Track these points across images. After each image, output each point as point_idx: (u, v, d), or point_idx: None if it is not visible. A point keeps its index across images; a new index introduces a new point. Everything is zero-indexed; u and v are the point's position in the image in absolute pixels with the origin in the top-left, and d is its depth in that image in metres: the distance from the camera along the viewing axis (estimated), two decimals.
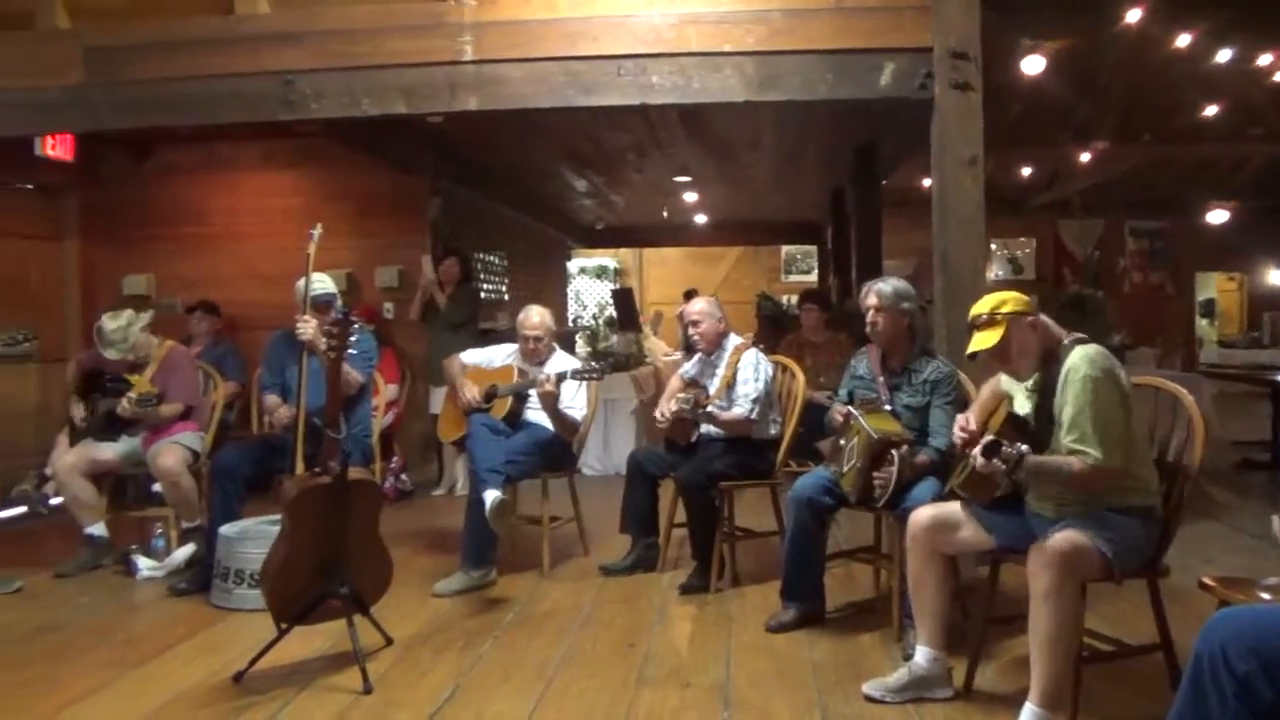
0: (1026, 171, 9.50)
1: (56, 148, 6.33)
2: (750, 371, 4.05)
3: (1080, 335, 2.69)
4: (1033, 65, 5.56)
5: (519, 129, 6.55)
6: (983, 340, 2.67)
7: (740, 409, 4.00)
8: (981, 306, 2.72)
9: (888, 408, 3.40)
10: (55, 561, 4.43)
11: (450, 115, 4.69)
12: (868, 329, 3.50)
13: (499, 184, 8.48)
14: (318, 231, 3.81)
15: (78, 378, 4.65)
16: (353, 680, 2.96)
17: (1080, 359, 2.55)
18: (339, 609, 3.11)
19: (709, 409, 3.99)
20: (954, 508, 2.81)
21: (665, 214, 11.37)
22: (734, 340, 4.24)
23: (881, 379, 3.49)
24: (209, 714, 2.81)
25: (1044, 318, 2.73)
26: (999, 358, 2.70)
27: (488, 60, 4.42)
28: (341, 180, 6.78)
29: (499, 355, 4.54)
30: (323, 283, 4.17)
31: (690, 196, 10.32)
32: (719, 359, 4.19)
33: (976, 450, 2.46)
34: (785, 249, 15.11)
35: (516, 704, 2.83)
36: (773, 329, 9.00)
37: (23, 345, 4.23)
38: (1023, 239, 12.32)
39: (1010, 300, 2.69)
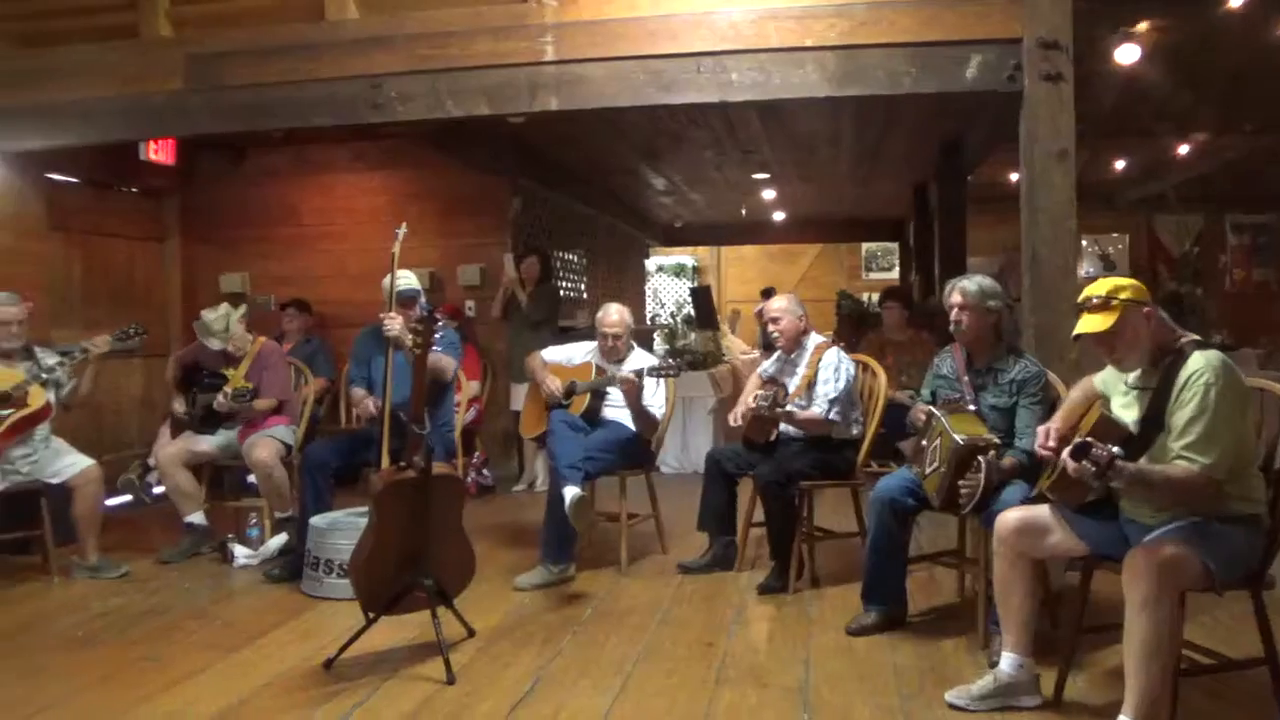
0: (1120, 165, 9.15)
1: (159, 152, 6.62)
2: (830, 371, 4.00)
3: (1197, 337, 2.56)
4: (1127, 54, 5.35)
5: (598, 128, 6.61)
6: (1092, 323, 2.54)
7: (818, 409, 3.96)
8: (1096, 288, 2.58)
9: (971, 408, 3.32)
10: (159, 548, 4.65)
11: (531, 115, 4.75)
12: (952, 327, 3.42)
13: (578, 183, 8.56)
14: (403, 231, 3.90)
15: (178, 373, 4.86)
16: (436, 670, 3.03)
17: (1203, 364, 2.42)
18: (423, 600, 3.18)
19: (787, 407, 3.96)
20: (1043, 511, 2.73)
21: (744, 211, 11.32)
22: (815, 339, 4.20)
23: (966, 378, 3.42)
24: (302, 698, 2.91)
25: (1161, 312, 2.60)
26: (1105, 344, 2.56)
27: (568, 60, 4.46)
28: (426, 181, 6.92)
29: (578, 353, 4.59)
30: (407, 279, 4.27)
31: (769, 194, 10.25)
32: (799, 357, 4.16)
33: (1066, 452, 2.37)
34: (865, 246, 14.89)
35: (595, 699, 2.86)
36: (853, 327, 8.89)
37: (130, 340, 4.46)
38: (1115, 235, 11.89)
39: (1128, 287, 2.56)
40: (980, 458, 3.08)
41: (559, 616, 3.66)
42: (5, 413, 3.98)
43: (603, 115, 4.91)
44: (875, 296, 9.81)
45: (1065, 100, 3.95)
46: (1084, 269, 11.45)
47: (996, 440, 3.17)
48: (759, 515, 4.03)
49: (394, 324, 3.85)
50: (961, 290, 3.36)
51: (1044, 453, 2.65)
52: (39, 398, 4.10)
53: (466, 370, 5.43)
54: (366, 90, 4.64)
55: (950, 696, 2.74)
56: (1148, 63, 5.50)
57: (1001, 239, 9.26)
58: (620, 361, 4.40)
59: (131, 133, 5.44)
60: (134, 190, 6.75)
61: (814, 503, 4.08)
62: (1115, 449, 2.29)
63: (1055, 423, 2.75)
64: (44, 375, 4.15)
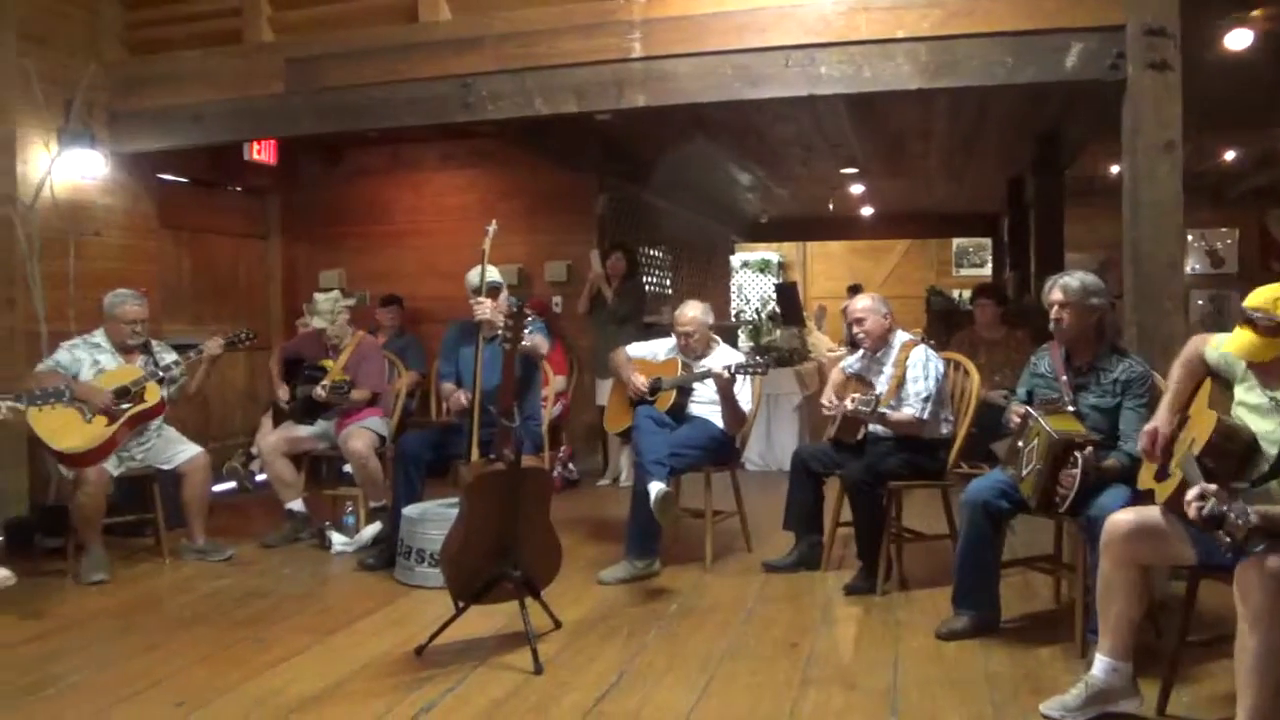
0: (1229, 156, 8.71)
1: (262, 153, 6.88)
2: (920, 370, 3.92)
3: None
4: (1238, 40, 5.09)
5: (685, 124, 6.60)
6: (1256, 349, 2.26)
7: (911, 409, 3.88)
8: (1267, 302, 2.29)
9: (1070, 408, 3.21)
10: (261, 533, 4.86)
11: (618, 112, 4.78)
12: (1051, 325, 3.31)
13: (664, 179, 8.56)
14: (492, 228, 3.97)
15: (280, 365, 5.06)
16: (524, 660, 3.08)
17: None
18: (512, 591, 3.24)
19: (881, 410, 3.89)
20: (1154, 515, 2.60)
21: (831, 206, 11.16)
22: (901, 336, 4.12)
23: (1065, 378, 3.31)
24: (395, 683, 2.99)
25: None
26: (1272, 373, 2.31)
27: (655, 56, 4.47)
28: (514, 178, 7.03)
29: (663, 349, 4.60)
30: (491, 273, 4.36)
31: (857, 188, 10.09)
32: (885, 356, 4.08)
33: (1193, 509, 2.15)
34: (957, 242, 14.54)
35: (680, 695, 2.87)
36: (943, 325, 8.67)
37: (242, 345, 4.68)
38: (1224, 229, 11.31)
39: None
40: (1077, 454, 2.98)
41: (644, 611, 3.68)
42: (124, 406, 4.20)
43: (689, 111, 4.90)
44: (966, 293, 9.56)
45: (1172, 89, 3.79)
46: (1190, 266, 10.96)
47: (1096, 438, 3.06)
48: (846, 515, 3.98)
49: (484, 306, 3.93)
50: (1063, 287, 3.25)
51: (1150, 459, 2.53)
52: (155, 394, 4.31)
53: (553, 365, 5.50)
54: (457, 90, 4.74)
55: (1046, 708, 2.66)
56: (1261, 49, 5.22)
57: (1101, 234, 8.91)
58: (699, 359, 4.39)
59: (237, 134, 5.67)
60: (238, 190, 7.03)
61: (903, 503, 4.01)
62: (1252, 515, 2.02)
63: (1161, 423, 2.63)
64: (160, 373, 4.36)
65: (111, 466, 4.23)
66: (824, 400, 4.12)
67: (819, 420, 5.95)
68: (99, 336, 4.43)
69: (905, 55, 4.15)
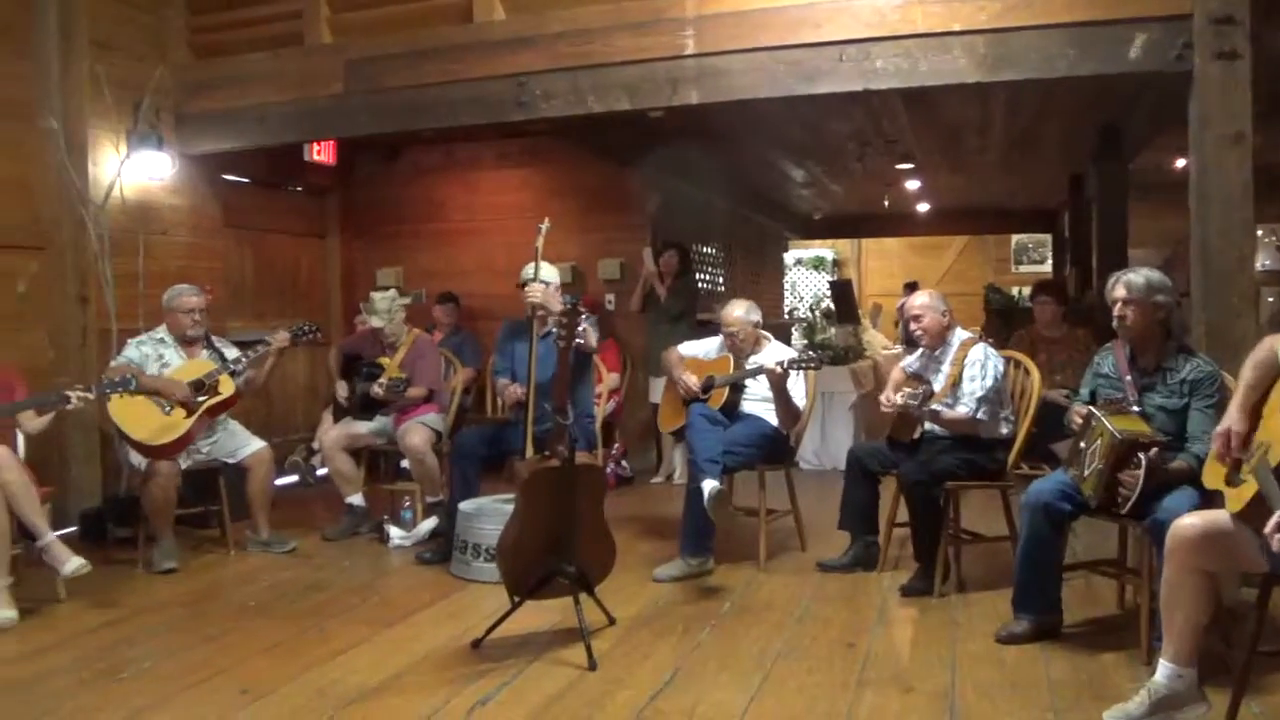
0: None
1: (321, 153, 7.02)
2: (977, 369, 3.85)
3: None
4: None
5: (737, 121, 6.57)
6: None
7: (965, 408, 3.82)
8: None
9: (1135, 409, 3.14)
10: (322, 526, 4.97)
11: (670, 109, 4.78)
12: (1115, 323, 3.24)
13: (717, 176, 8.54)
14: (545, 226, 4.01)
15: (339, 362, 5.17)
16: (578, 656, 3.10)
17: None
18: (566, 586, 3.27)
19: (934, 407, 3.85)
20: (1223, 520, 2.52)
21: (886, 203, 11.03)
22: (960, 334, 4.06)
23: (1129, 378, 3.23)
24: (452, 675, 3.04)
25: None
26: None
27: (708, 53, 4.46)
28: (567, 176, 7.07)
29: (715, 347, 4.59)
30: (546, 271, 4.39)
31: (913, 184, 9.96)
32: (944, 354, 4.02)
33: (1276, 541, 2.12)
34: (1016, 238, 14.29)
35: (735, 693, 2.86)
36: (1002, 323, 8.54)
37: (306, 338, 4.79)
38: None
39: None
40: (1141, 454, 2.91)
41: (697, 609, 3.68)
42: (200, 399, 4.32)
43: (742, 107, 4.88)
44: (1026, 291, 9.37)
45: (1241, 80, 3.67)
46: (1260, 262, 10.60)
47: (1161, 438, 2.99)
48: (902, 515, 3.94)
49: (536, 290, 3.95)
50: (1127, 284, 3.18)
51: (1223, 462, 2.45)
52: (229, 386, 4.43)
53: (606, 362, 5.53)
54: (512, 89, 4.78)
55: (1109, 715, 2.59)
56: None
57: (1167, 229, 8.67)
58: (751, 356, 4.37)
59: (298, 135, 5.80)
60: (298, 189, 7.18)
61: (961, 504, 3.96)
62: None
63: (1234, 422, 2.54)
64: (231, 367, 4.47)
65: (180, 460, 4.36)
66: (882, 399, 4.07)
67: (874, 419, 5.90)
68: (162, 332, 4.56)
69: (962, 48, 4.09)
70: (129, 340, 4.59)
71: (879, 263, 15.18)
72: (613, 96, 4.67)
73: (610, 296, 6.95)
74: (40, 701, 2.90)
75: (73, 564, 3.67)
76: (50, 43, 4.98)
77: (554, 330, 3.69)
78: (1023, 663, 3.08)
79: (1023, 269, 14.21)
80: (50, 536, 3.69)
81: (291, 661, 3.18)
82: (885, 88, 4.33)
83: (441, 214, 7.42)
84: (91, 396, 3.84)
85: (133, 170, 5.24)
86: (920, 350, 4.16)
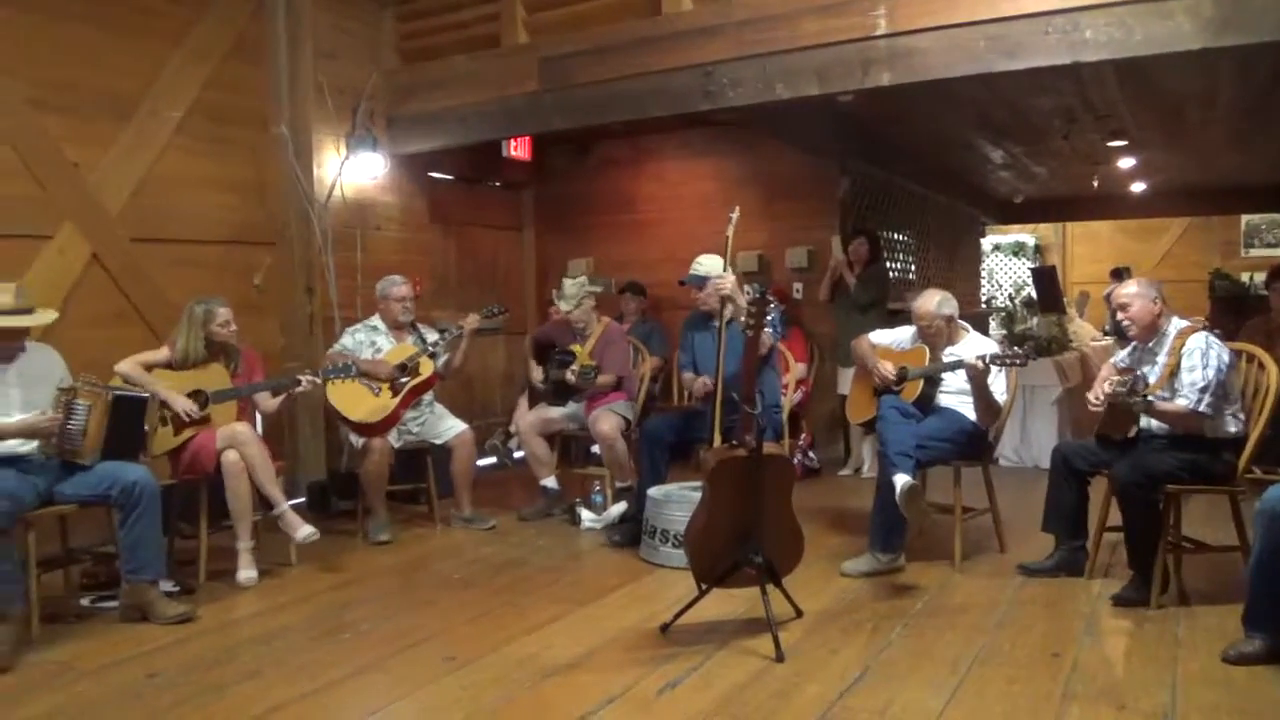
0: None
1: (518, 149, 7.32)
2: (1198, 357, 3.49)
3: None
4: None
5: (931, 101, 6.31)
6: None
7: (1184, 400, 3.48)
8: None
9: None
10: (517, 506, 5.22)
11: (860, 92, 4.66)
12: None
13: (908, 160, 8.24)
14: (735, 215, 4.00)
15: (534, 349, 5.39)
16: (765, 646, 3.10)
17: None
18: (753, 577, 3.27)
19: (1149, 398, 3.54)
20: None
21: (1095, 183, 10.26)
22: (1177, 323, 3.69)
23: None
24: (641, 657, 3.11)
25: None
26: None
27: (901, 32, 4.31)
28: (753, 164, 7.02)
29: (908, 336, 4.44)
30: (707, 265, 4.41)
31: (1126, 162, 9.21)
32: (1159, 345, 3.69)
33: None
34: (1246, 219, 12.96)
35: (928, 696, 2.78)
36: (1230, 313, 7.78)
37: (495, 318, 5.06)
38: None
39: None
40: None
41: (888, 607, 3.59)
42: (404, 380, 4.65)
43: (936, 87, 4.67)
44: (1259, 277, 8.50)
45: None
46: None
47: None
48: (1114, 519, 3.67)
49: (726, 281, 3.95)
50: None
51: None
52: (428, 367, 4.74)
53: (794, 352, 5.48)
54: (699, 79, 4.80)
55: None
56: None
57: None
58: (944, 349, 4.19)
59: (497, 132, 6.07)
60: (497, 185, 7.52)
61: (1182, 509, 3.65)
62: None
63: None
64: (430, 350, 4.77)
65: (393, 439, 4.70)
66: (1090, 397, 3.79)
67: (1081, 414, 5.54)
68: (375, 320, 4.93)
69: (1185, 12, 3.73)
70: (345, 330, 4.98)
71: (1086, 248, 14.18)
72: (801, 82, 4.60)
73: (798, 285, 6.85)
74: (277, 653, 3.22)
75: (304, 531, 4.04)
76: (281, 55, 5.46)
77: (739, 320, 3.67)
78: (1254, 686, 2.81)
79: (1254, 253, 12.88)
80: (285, 506, 4.08)
81: (493, 633, 3.36)
82: (1096, 60, 4.03)
83: (630, 206, 7.57)
84: (319, 381, 4.22)
85: (351, 171, 5.67)
86: (1132, 345, 3.85)
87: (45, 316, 3.63)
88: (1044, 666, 2.99)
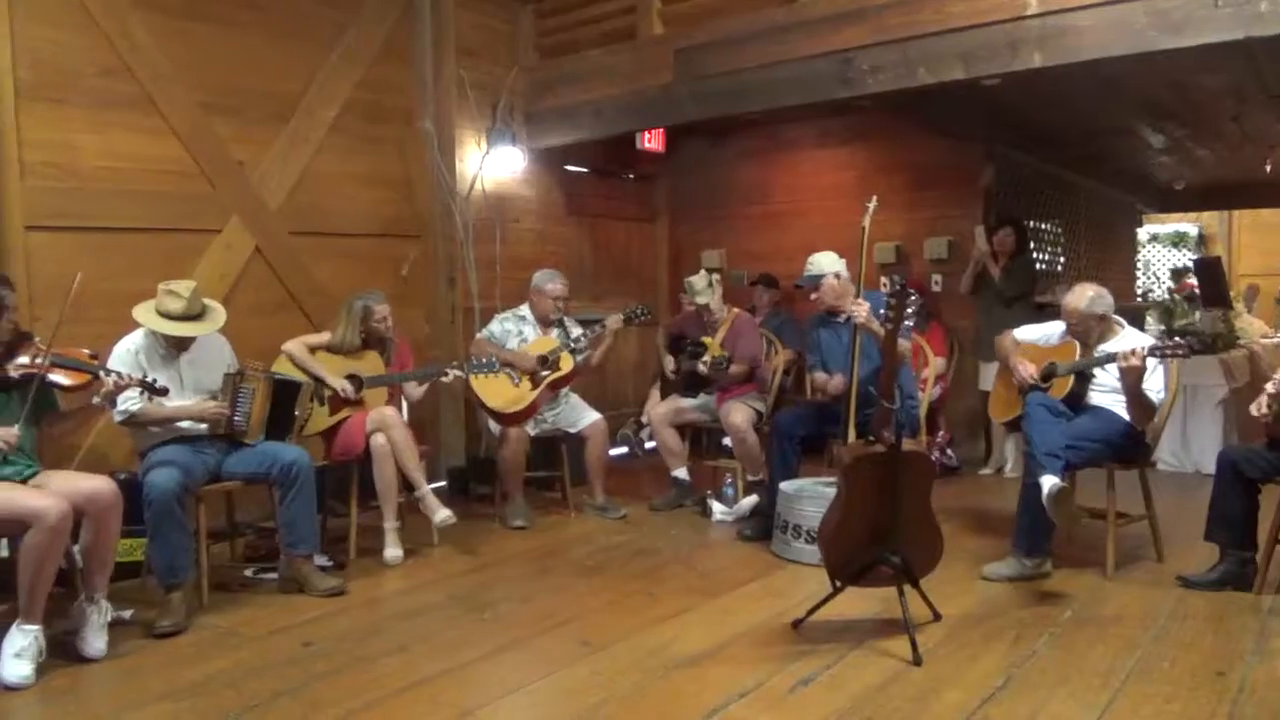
0: None
1: (652, 141, 7.36)
2: None
3: None
4: None
5: (1083, 83, 5.96)
6: None
7: None
8: None
9: None
10: (649, 497, 5.27)
11: (1007, 76, 4.46)
12: None
13: (1058, 146, 7.83)
14: (873, 204, 3.89)
15: (666, 341, 5.42)
16: (901, 648, 3.03)
17: None
18: (889, 576, 3.20)
19: None
20: None
21: (1268, 168, 9.49)
22: None
23: None
24: (772, 653, 3.09)
25: None
26: None
27: (1054, 11, 4.12)
28: (892, 153, 6.82)
29: (1057, 331, 4.22)
30: (817, 264, 4.33)
31: None
32: None
33: None
34: None
35: (1077, 709, 2.65)
36: None
37: (638, 321, 5.12)
38: None
39: None
40: None
41: (1032, 614, 3.44)
42: (544, 373, 4.77)
43: (1089, 69, 4.42)
44: None
45: None
46: None
47: None
48: None
49: (860, 310, 3.80)
50: None
51: None
52: (569, 362, 4.85)
53: (933, 346, 5.32)
54: (836, 66, 4.71)
55: None
56: None
57: None
58: (1095, 345, 3.96)
59: (632, 125, 6.14)
60: (630, 177, 7.58)
61: None
62: None
63: None
64: (572, 344, 4.88)
65: (529, 427, 4.82)
66: (1252, 408, 3.52)
67: (1249, 416, 5.16)
68: (524, 309, 5.06)
69: None
70: (495, 315, 5.14)
71: (1255, 238, 13.13)
72: (945, 66, 4.46)
73: (937, 277, 6.62)
74: (420, 629, 3.37)
75: (442, 514, 4.20)
76: (426, 54, 5.67)
77: (883, 312, 3.56)
78: None
79: None
80: (426, 489, 4.26)
81: (625, 620, 3.41)
82: (1273, 34, 3.72)
83: (764, 196, 7.48)
84: (463, 374, 4.40)
85: (491, 165, 5.84)
86: None
87: (212, 324, 3.69)
88: (1207, 686, 2.80)
